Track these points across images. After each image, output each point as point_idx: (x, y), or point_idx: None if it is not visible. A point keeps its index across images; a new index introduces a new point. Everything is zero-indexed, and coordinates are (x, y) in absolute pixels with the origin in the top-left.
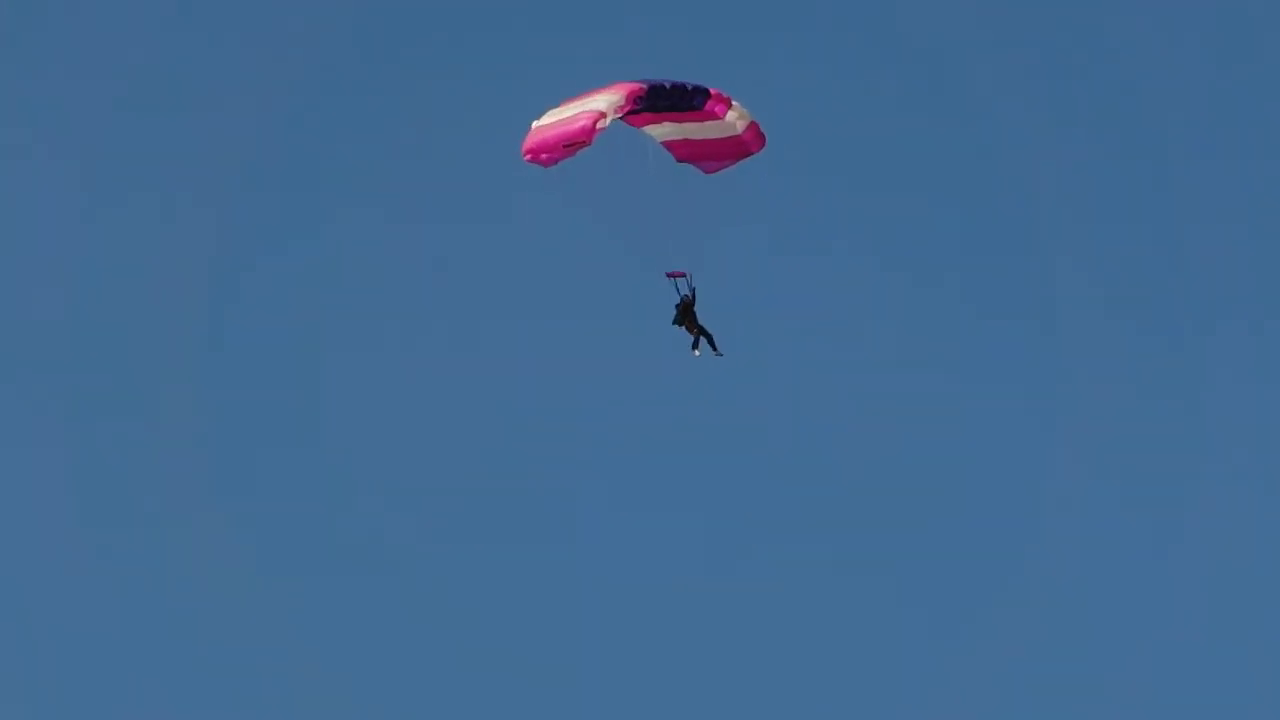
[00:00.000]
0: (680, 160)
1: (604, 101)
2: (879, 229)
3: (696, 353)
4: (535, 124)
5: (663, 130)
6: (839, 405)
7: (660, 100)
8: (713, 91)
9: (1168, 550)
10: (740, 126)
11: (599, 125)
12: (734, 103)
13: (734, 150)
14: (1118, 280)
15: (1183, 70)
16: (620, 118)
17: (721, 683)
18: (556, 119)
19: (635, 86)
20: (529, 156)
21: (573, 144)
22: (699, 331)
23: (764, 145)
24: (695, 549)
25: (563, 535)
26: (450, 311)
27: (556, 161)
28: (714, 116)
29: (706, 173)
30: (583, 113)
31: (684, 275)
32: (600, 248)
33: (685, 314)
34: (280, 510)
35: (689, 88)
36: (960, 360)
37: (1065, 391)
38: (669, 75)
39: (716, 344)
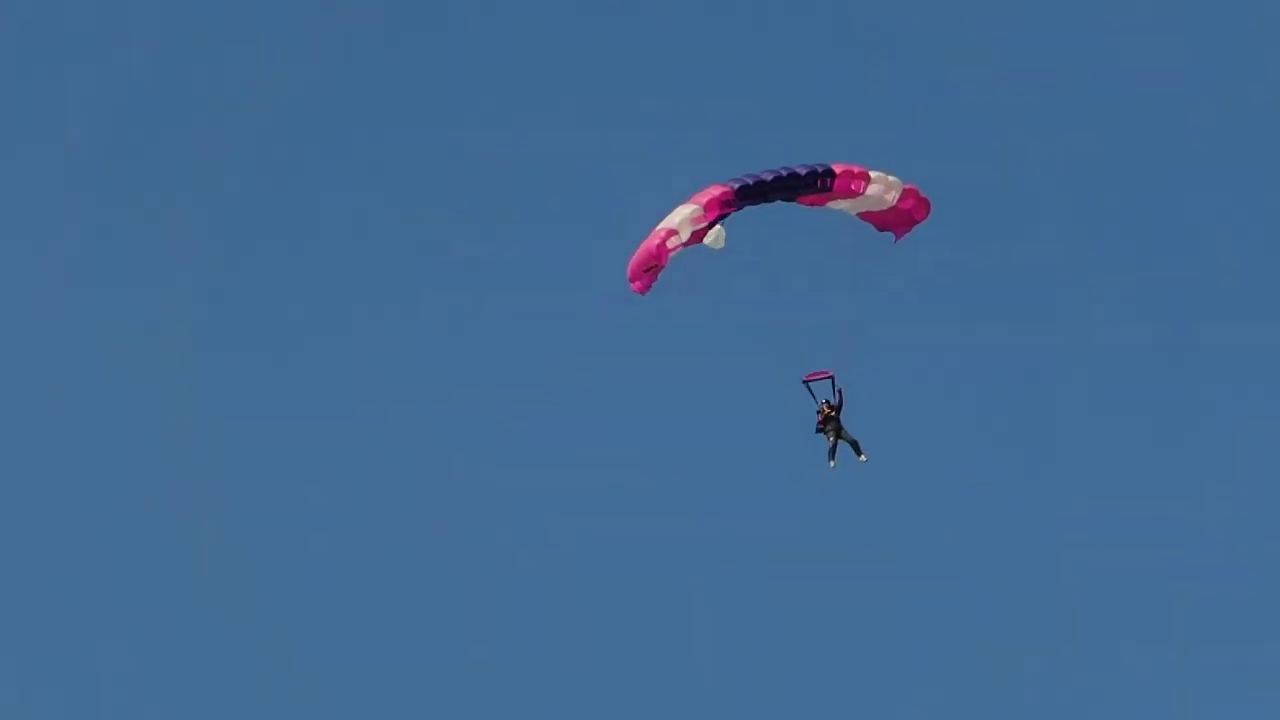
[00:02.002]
0: (880, 229)
1: (679, 216)
2: None
3: (833, 464)
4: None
5: (840, 205)
6: None
7: (769, 193)
8: (839, 169)
9: None
10: (892, 198)
11: (670, 244)
12: (873, 174)
13: (898, 221)
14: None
15: None
16: (721, 216)
17: None
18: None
19: (722, 190)
20: (630, 286)
21: (651, 269)
22: (838, 438)
23: (929, 210)
24: None
25: None
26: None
27: (649, 286)
28: (853, 194)
29: (897, 239)
30: (654, 233)
31: (828, 376)
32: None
33: (828, 421)
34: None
35: (802, 173)
36: None
37: None
38: (784, 160)
39: (862, 448)
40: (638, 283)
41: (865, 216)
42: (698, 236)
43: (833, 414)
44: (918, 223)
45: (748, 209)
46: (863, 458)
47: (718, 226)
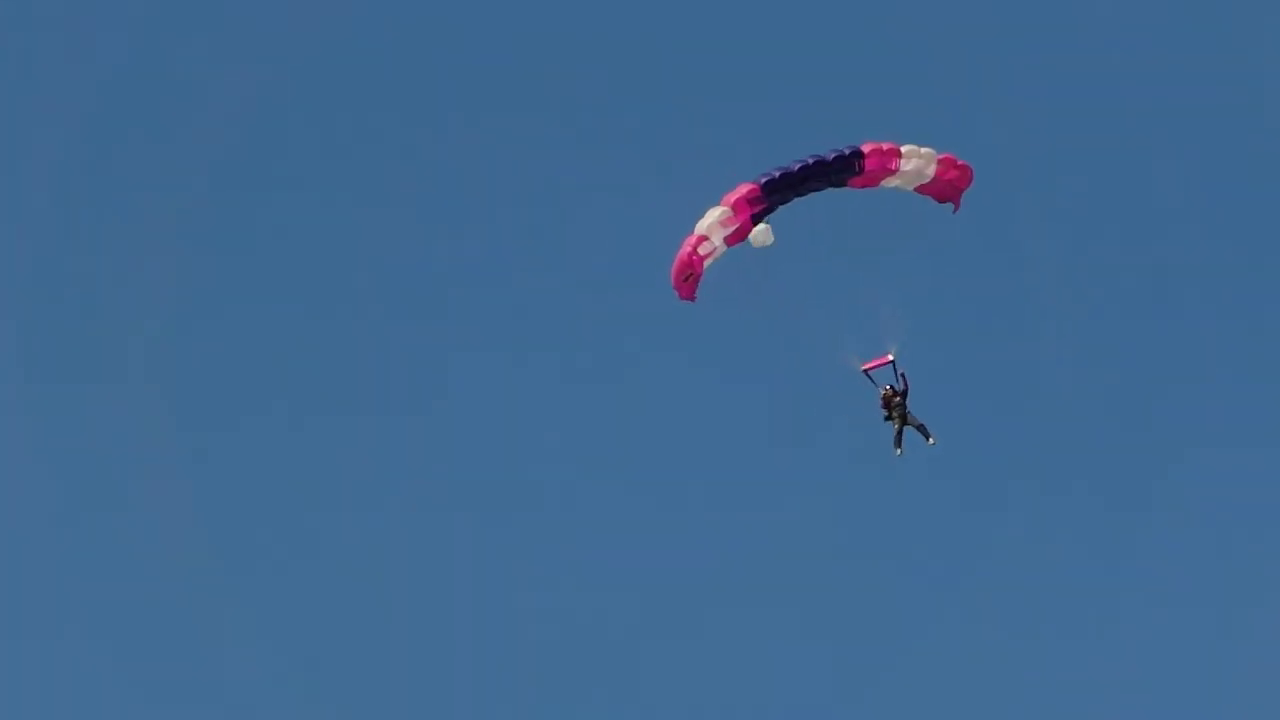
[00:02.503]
0: (940, 201)
1: (708, 220)
2: None
3: (899, 451)
4: None
5: (891, 184)
6: None
7: (799, 184)
8: (868, 149)
9: None
10: (931, 171)
11: (702, 251)
12: (905, 148)
13: (948, 192)
14: None
15: None
16: (760, 214)
17: None
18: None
19: (749, 188)
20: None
21: (688, 278)
22: (904, 424)
23: (971, 178)
24: None
25: None
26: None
27: (694, 293)
28: (890, 172)
29: (955, 210)
30: (685, 241)
31: (888, 361)
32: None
33: (893, 407)
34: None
35: (830, 158)
36: None
37: None
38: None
39: (930, 431)
40: (681, 292)
41: (921, 190)
42: (738, 236)
43: (896, 399)
44: (963, 190)
45: (795, 201)
46: (931, 441)
47: (763, 225)
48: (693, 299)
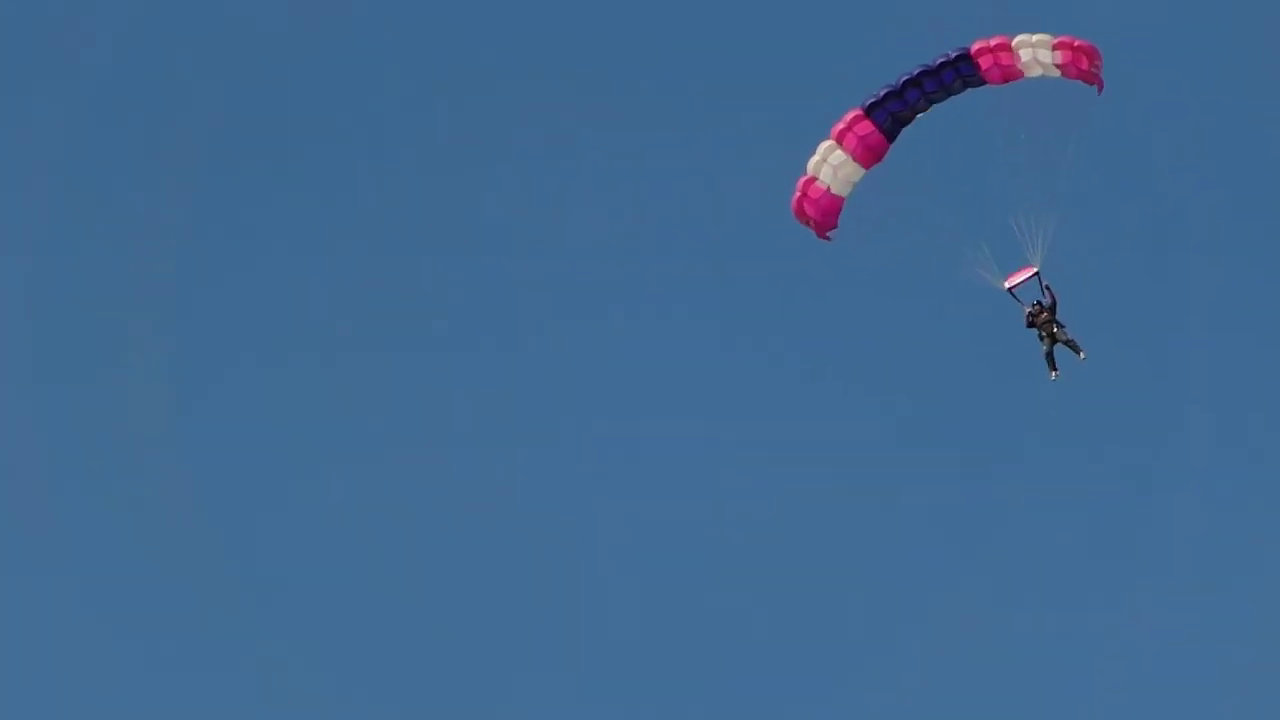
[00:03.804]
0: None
1: (814, 159)
2: None
3: (1055, 374)
4: None
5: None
6: None
7: (914, 103)
8: (973, 49)
9: None
10: (1050, 58)
11: (811, 194)
12: (1014, 41)
13: (1082, 77)
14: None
15: None
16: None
17: None
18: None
19: (853, 114)
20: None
21: (808, 223)
22: (1054, 341)
23: (1093, 56)
24: None
25: None
26: None
27: (825, 230)
28: (1007, 67)
29: (1100, 92)
30: (797, 186)
31: (1034, 274)
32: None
33: (1043, 325)
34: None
35: (934, 67)
36: None
37: None
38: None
39: (1080, 346)
40: (815, 232)
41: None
42: (868, 157)
43: (1044, 315)
44: (1094, 69)
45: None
46: (1082, 356)
47: None
48: (828, 236)
